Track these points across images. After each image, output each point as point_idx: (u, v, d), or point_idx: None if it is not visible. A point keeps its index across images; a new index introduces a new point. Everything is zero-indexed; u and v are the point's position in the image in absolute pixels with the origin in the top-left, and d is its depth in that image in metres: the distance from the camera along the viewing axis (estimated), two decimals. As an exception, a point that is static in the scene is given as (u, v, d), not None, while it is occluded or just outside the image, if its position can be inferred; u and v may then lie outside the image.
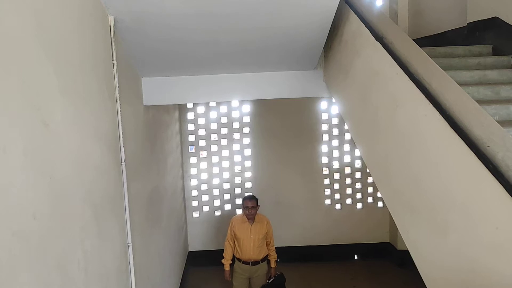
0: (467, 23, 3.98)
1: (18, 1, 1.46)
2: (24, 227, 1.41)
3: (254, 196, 4.61)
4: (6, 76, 1.34)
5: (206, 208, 6.42)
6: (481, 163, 1.53)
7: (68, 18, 1.93)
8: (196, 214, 6.42)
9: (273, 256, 4.73)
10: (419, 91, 1.97)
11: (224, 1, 2.52)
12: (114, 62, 2.60)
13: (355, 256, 6.58)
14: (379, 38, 2.45)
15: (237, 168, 6.35)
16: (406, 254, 2.43)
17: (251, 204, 4.44)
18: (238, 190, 6.37)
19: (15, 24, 1.43)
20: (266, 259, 4.68)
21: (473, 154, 1.58)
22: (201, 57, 3.32)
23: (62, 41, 1.83)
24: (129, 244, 2.75)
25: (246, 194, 5.55)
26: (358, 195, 6.46)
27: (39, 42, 1.61)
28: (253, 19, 2.75)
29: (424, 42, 4.57)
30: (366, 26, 2.60)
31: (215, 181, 6.34)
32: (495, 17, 3.62)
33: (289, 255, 5.90)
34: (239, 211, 5.86)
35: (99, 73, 2.35)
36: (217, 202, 6.39)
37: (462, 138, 1.65)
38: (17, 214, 1.37)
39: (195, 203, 6.39)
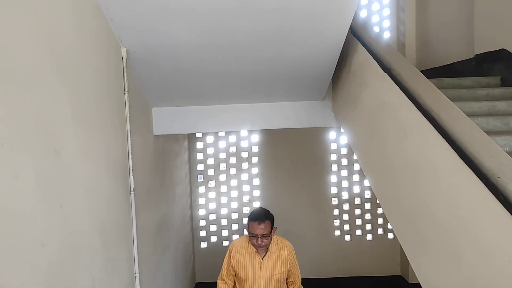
0: (475, 55, 4.01)
1: (34, 32, 1.51)
2: (33, 255, 1.41)
3: (267, 213, 2.85)
4: (20, 104, 1.38)
5: (214, 239, 6.35)
6: (492, 194, 1.52)
7: (83, 49, 1.98)
8: (204, 245, 6.36)
9: None
10: (428, 122, 1.97)
11: (234, 33, 2.58)
12: (126, 92, 2.65)
13: (365, 289, 6.44)
14: (387, 69, 2.47)
15: (246, 198, 6.32)
16: (418, 287, 2.37)
17: (261, 230, 2.73)
18: (246, 220, 6.28)
19: (31, 54, 1.47)
20: None
21: (483, 185, 1.56)
22: (211, 87, 3.37)
23: (76, 71, 1.87)
24: (136, 274, 2.72)
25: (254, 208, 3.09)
26: (368, 226, 6.38)
27: (54, 71, 1.65)
28: (262, 51, 2.80)
29: (432, 73, 4.60)
30: (374, 58, 2.63)
31: (223, 211, 6.30)
32: (503, 49, 3.65)
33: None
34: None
35: (111, 102, 2.40)
36: (225, 232, 6.33)
37: (472, 169, 1.64)
38: (27, 241, 1.38)
39: (203, 233, 6.34)
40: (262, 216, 2.78)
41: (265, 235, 2.75)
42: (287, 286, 3.05)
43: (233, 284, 3.02)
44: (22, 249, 1.34)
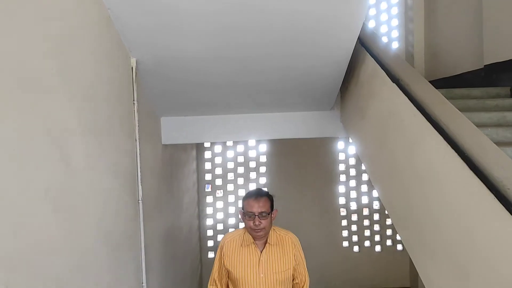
0: (484, 65, 3.99)
1: (44, 42, 1.53)
2: (43, 264, 1.42)
3: (265, 191, 2.45)
4: (30, 115, 1.39)
5: (221, 248, 6.32)
6: (502, 206, 1.50)
7: (93, 59, 2.01)
8: (211, 255, 6.33)
9: None
10: (437, 132, 1.96)
11: (242, 46, 2.60)
12: (135, 102, 2.67)
13: (374, 301, 6.36)
14: (395, 80, 2.47)
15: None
16: (427, 299, 2.35)
17: (258, 207, 2.28)
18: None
19: (42, 65, 1.49)
20: None
21: (493, 196, 1.55)
22: (219, 98, 3.38)
23: (86, 81, 1.90)
24: (143, 284, 2.72)
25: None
26: (377, 237, 6.32)
27: (64, 81, 1.67)
28: (271, 61, 2.82)
29: (441, 84, 4.58)
30: (382, 68, 2.63)
31: (231, 220, 6.28)
32: (512, 59, 3.63)
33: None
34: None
35: (120, 112, 2.41)
36: (232, 242, 6.29)
37: (481, 180, 1.62)
38: (35, 250, 1.38)
39: (210, 243, 6.32)
40: (259, 192, 2.37)
41: (263, 214, 2.26)
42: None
43: (225, 287, 2.49)
44: (32, 258, 1.35)
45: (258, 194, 2.34)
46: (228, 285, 2.48)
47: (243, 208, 2.36)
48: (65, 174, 1.63)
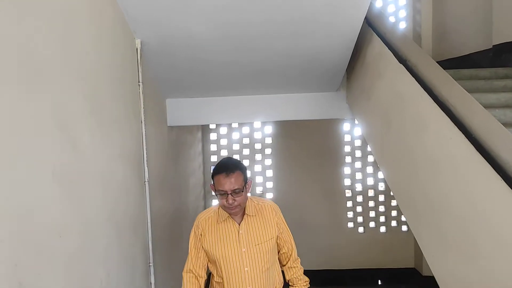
0: (493, 45, 3.93)
1: (49, 25, 1.52)
2: (50, 245, 1.44)
3: (236, 162, 2.10)
4: (36, 98, 1.39)
5: (227, 229, 6.37)
6: (509, 187, 1.50)
7: (98, 41, 2.00)
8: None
9: (301, 282, 2.32)
10: (444, 113, 1.95)
11: (248, 25, 2.57)
12: (140, 83, 2.66)
13: (379, 281, 6.41)
14: (402, 60, 2.44)
15: (259, 189, 6.34)
16: (432, 280, 2.36)
17: (230, 184, 1.98)
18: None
19: (46, 47, 1.48)
20: None
21: (500, 178, 1.54)
22: (225, 79, 3.37)
23: (92, 64, 1.89)
24: (150, 264, 2.76)
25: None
26: (382, 219, 6.34)
27: (69, 63, 1.66)
28: (277, 40, 2.79)
29: (448, 64, 4.52)
30: (389, 49, 2.60)
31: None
32: (522, 39, 3.57)
33: (309, 279, 5.77)
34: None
35: (125, 94, 2.41)
36: (238, 223, 6.34)
37: (488, 162, 1.62)
38: (43, 232, 1.40)
39: (216, 223, 6.35)
40: (229, 166, 2.02)
41: (236, 191, 1.98)
42: (280, 262, 2.32)
43: (205, 277, 2.23)
44: (39, 240, 1.37)
45: (227, 169, 2.00)
46: (208, 269, 2.24)
47: (213, 183, 2.06)
48: (71, 156, 1.64)
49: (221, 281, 2.13)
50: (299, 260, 2.33)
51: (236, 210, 2.07)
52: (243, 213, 2.15)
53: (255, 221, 2.16)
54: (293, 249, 2.28)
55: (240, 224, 2.13)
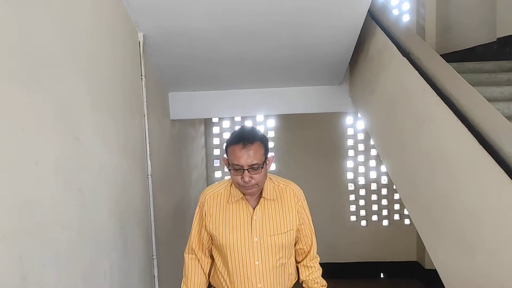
0: (497, 38, 3.91)
1: (51, 18, 1.52)
2: (53, 238, 1.45)
3: (257, 132, 1.75)
4: (39, 91, 1.39)
5: (230, 222, 6.38)
6: (511, 181, 1.49)
7: (100, 34, 1.99)
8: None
9: (317, 286, 1.94)
10: (447, 107, 1.94)
11: (251, 15, 2.55)
12: (143, 77, 2.66)
13: (381, 274, 6.43)
14: (405, 53, 2.43)
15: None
16: (434, 273, 2.37)
17: (248, 157, 1.63)
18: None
19: (48, 41, 1.48)
20: None
21: (503, 171, 1.54)
22: (227, 72, 3.36)
23: (93, 56, 1.89)
24: (154, 257, 2.77)
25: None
26: (384, 212, 6.34)
27: (71, 57, 1.66)
28: (279, 33, 2.77)
29: (452, 57, 4.50)
30: (392, 42, 2.59)
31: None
32: (526, 32, 3.55)
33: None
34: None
35: (128, 88, 2.41)
36: (241, 217, 6.35)
37: (491, 155, 1.61)
38: (47, 224, 1.41)
39: (219, 217, 6.37)
40: (248, 136, 1.67)
41: (255, 167, 1.63)
42: (295, 257, 1.96)
43: (208, 259, 1.92)
44: (43, 232, 1.38)
45: (245, 139, 1.64)
46: (211, 252, 1.91)
47: (227, 155, 1.71)
48: (74, 149, 1.64)
49: (226, 272, 1.81)
50: (318, 258, 1.99)
51: (252, 190, 1.71)
52: (260, 195, 1.80)
53: (273, 207, 1.80)
54: (312, 245, 1.94)
55: (255, 209, 1.78)
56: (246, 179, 1.64)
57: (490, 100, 2.03)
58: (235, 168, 1.65)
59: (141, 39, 2.62)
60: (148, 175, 2.72)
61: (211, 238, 1.85)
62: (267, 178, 1.81)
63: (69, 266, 1.56)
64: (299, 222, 1.85)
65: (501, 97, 2.84)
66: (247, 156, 1.62)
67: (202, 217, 1.85)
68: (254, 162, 1.63)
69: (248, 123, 6.08)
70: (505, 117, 1.78)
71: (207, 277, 1.93)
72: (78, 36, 1.73)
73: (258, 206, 1.78)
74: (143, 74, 2.66)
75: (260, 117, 6.13)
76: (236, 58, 3.10)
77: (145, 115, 2.69)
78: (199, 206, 1.87)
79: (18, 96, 1.26)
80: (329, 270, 6.17)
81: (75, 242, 1.62)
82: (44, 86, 1.42)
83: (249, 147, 1.63)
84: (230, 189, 1.82)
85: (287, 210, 1.82)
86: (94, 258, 1.80)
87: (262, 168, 1.66)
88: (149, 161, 2.72)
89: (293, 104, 3.79)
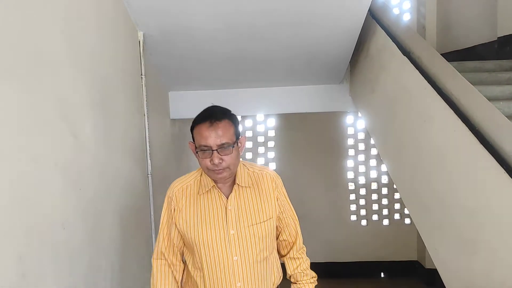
0: (498, 37, 3.90)
1: (52, 18, 1.51)
2: (53, 237, 1.45)
3: (225, 110, 1.58)
4: (39, 90, 1.39)
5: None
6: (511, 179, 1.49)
7: (100, 33, 1.99)
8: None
9: (307, 277, 1.73)
10: (447, 106, 1.94)
11: (251, 14, 2.55)
12: (143, 76, 2.66)
13: (381, 274, 6.43)
14: (406, 53, 2.43)
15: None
16: (434, 272, 2.37)
17: (216, 137, 1.44)
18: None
19: (49, 40, 1.48)
20: None
21: (503, 171, 1.54)
22: (227, 71, 3.36)
23: (94, 56, 1.89)
24: (154, 256, 2.76)
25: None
26: (385, 211, 6.34)
27: (72, 56, 1.66)
28: (279, 32, 2.77)
29: (453, 56, 4.49)
30: (393, 41, 2.59)
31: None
32: (527, 31, 3.54)
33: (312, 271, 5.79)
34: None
35: (128, 87, 2.41)
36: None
37: (492, 155, 1.61)
38: (47, 223, 1.41)
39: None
40: (215, 113, 1.50)
41: (224, 145, 1.46)
42: (278, 252, 1.77)
43: (181, 264, 1.68)
44: (43, 232, 1.37)
45: (212, 116, 1.48)
46: (183, 254, 1.69)
47: (193, 138, 1.54)
48: (74, 148, 1.64)
49: (200, 274, 1.58)
50: (305, 249, 1.77)
51: (224, 175, 1.52)
52: (233, 183, 1.61)
53: (249, 194, 1.61)
54: (297, 234, 1.73)
55: (229, 198, 1.58)
56: (216, 161, 1.45)
57: (490, 99, 2.03)
58: (203, 149, 1.47)
59: (141, 39, 2.62)
60: (148, 174, 2.72)
61: (182, 235, 1.62)
62: (241, 164, 1.67)
63: (69, 265, 1.56)
64: (280, 210, 1.66)
65: (501, 96, 2.84)
66: (215, 135, 1.44)
67: (171, 214, 1.62)
68: (224, 141, 1.45)
69: (249, 122, 6.09)
70: (506, 116, 1.78)
71: (179, 286, 1.68)
72: (78, 36, 1.72)
73: (232, 194, 1.58)
74: (143, 73, 2.66)
75: (260, 116, 6.13)
76: (237, 57, 3.10)
77: (145, 114, 2.69)
78: (167, 202, 1.65)
79: (19, 95, 1.26)
80: (329, 270, 6.20)
81: (75, 241, 1.61)
82: (44, 85, 1.42)
83: (217, 124, 1.46)
84: (200, 179, 1.64)
85: (265, 197, 1.62)
86: (94, 258, 1.80)
87: (233, 148, 1.49)
88: (149, 161, 2.72)
89: (293, 103, 3.79)
